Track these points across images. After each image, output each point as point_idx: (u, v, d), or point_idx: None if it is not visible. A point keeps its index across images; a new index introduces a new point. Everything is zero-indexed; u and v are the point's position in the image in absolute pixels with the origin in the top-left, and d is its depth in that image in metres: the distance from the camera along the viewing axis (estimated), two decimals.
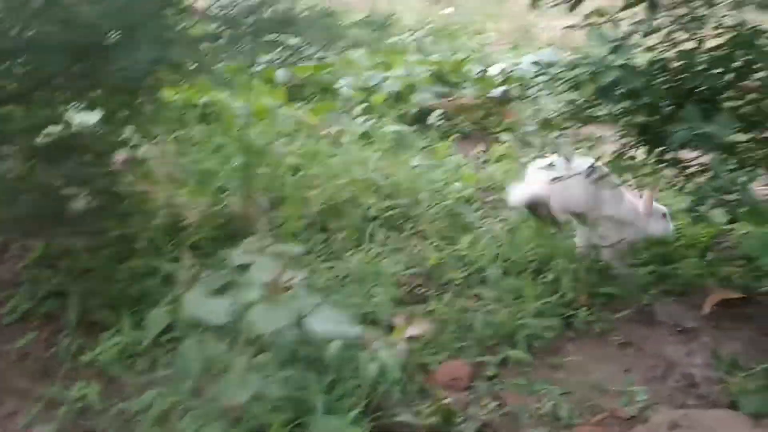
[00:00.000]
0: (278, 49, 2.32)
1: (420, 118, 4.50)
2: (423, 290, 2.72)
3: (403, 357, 2.24)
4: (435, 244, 3.00)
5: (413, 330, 2.43)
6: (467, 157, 4.10)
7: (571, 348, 2.43)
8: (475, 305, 2.59)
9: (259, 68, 3.41)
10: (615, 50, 2.05)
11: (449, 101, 4.65)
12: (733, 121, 1.87)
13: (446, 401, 2.09)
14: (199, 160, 3.18)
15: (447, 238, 3.05)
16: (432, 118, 4.46)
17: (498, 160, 4.01)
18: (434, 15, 8.07)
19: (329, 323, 1.53)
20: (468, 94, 4.62)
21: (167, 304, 2.25)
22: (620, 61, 2.06)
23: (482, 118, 4.63)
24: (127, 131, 2.79)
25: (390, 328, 2.40)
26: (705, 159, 2.61)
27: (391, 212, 3.20)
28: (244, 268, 1.52)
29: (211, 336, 1.55)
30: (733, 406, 2.07)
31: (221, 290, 1.46)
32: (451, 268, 2.83)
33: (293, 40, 2.48)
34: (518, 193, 2.87)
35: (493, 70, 4.98)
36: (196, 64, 2.50)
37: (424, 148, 4.10)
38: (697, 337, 2.49)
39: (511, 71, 4.83)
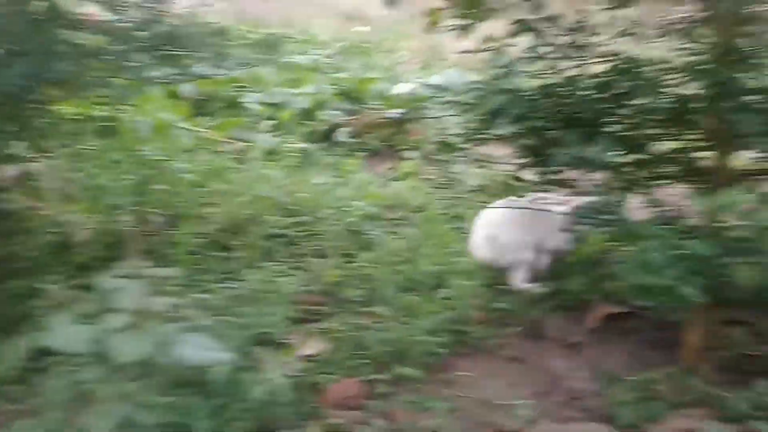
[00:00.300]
0: (172, 64, 2.26)
1: (328, 136, 4.50)
2: (321, 309, 2.71)
3: (296, 377, 2.23)
4: (336, 261, 3.00)
5: (308, 349, 2.43)
6: (374, 175, 4.13)
7: (463, 364, 2.47)
8: (371, 323, 2.60)
9: (159, 82, 3.33)
10: (502, 75, 2.11)
11: (358, 119, 4.66)
12: (609, 145, 1.95)
13: (336, 421, 2.08)
14: (93, 175, 3.07)
15: (348, 256, 3.06)
16: (340, 136, 4.46)
17: (404, 177, 4.04)
18: (349, 32, 8.09)
19: (198, 349, 1.50)
20: (376, 112, 4.64)
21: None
22: (507, 86, 2.13)
23: (390, 136, 4.66)
24: (16, 146, 2.67)
25: (286, 348, 2.39)
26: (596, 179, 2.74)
27: (293, 230, 3.18)
28: (113, 292, 1.47)
29: (83, 363, 1.49)
30: (611, 418, 2.15)
31: (87, 316, 1.41)
32: (350, 286, 2.84)
33: (188, 56, 2.44)
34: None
35: (401, 89, 5.03)
36: (87, 78, 2.43)
37: (331, 165, 4.10)
38: (582, 351, 2.58)
39: (410, 92, 4.89)
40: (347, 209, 3.40)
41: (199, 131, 3.92)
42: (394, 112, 4.49)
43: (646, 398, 2.18)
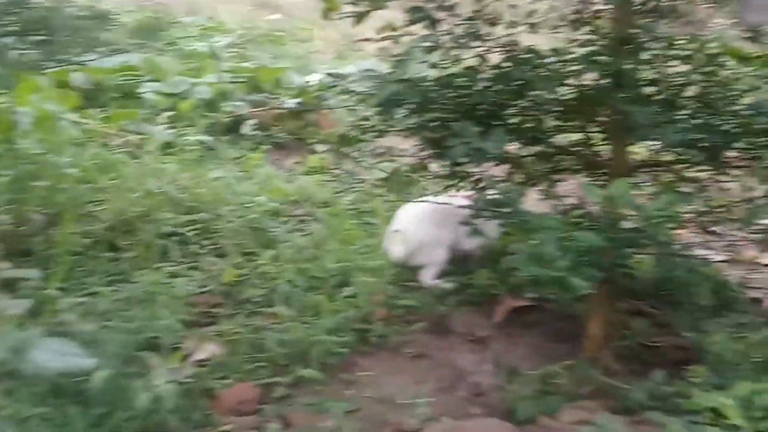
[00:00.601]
0: (46, 50, 2.17)
1: (232, 128, 4.43)
2: (218, 310, 2.67)
3: (187, 383, 2.19)
4: (235, 260, 2.96)
5: (201, 353, 2.39)
6: (280, 169, 4.10)
7: (364, 363, 2.48)
8: (270, 324, 2.58)
9: (42, 71, 3.19)
10: (399, 65, 2.13)
11: (265, 110, 4.61)
12: (507, 137, 1.99)
13: (228, 427, 2.05)
14: None
15: (249, 254, 3.03)
16: (245, 128, 4.40)
17: (311, 171, 4.03)
18: (259, 20, 7.98)
19: (56, 355, 1.44)
20: (285, 104, 4.60)
21: None
22: (404, 76, 2.14)
23: (299, 129, 4.63)
24: None
25: (177, 353, 2.34)
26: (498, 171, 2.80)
27: (189, 228, 3.12)
28: None
29: None
30: (512, 412, 2.20)
31: None
32: (250, 286, 2.81)
33: (67, 42, 2.34)
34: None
35: (311, 79, 5.00)
36: None
37: (234, 159, 4.05)
38: (488, 345, 2.63)
39: (310, 82, 4.87)
40: (249, 205, 3.36)
41: (88, 123, 3.78)
42: (292, 102, 4.46)
43: (546, 392, 2.24)
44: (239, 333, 2.50)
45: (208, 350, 2.40)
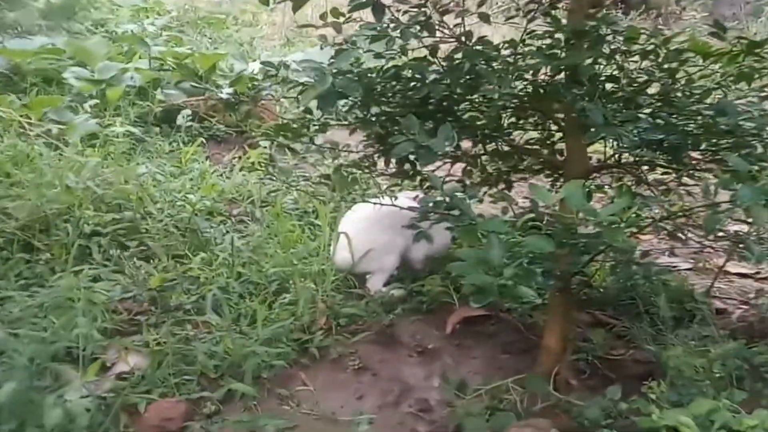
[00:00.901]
0: None
1: (165, 119, 4.40)
2: (143, 318, 2.65)
3: (105, 397, 2.18)
4: (163, 264, 2.94)
5: (122, 365, 2.37)
6: (217, 164, 4.08)
7: (303, 376, 2.49)
8: (200, 333, 2.57)
9: None
10: (341, 54, 2.14)
11: (201, 100, 4.59)
12: (453, 133, 2.01)
13: None
14: None
15: (178, 257, 3.01)
16: (180, 119, 4.37)
17: (251, 168, 4.02)
18: (200, 1, 7.93)
19: None
20: (218, 94, 4.58)
21: None
22: (346, 66, 2.16)
23: (239, 121, 4.62)
24: None
25: (95, 365, 2.32)
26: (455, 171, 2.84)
27: (113, 227, 3.09)
28: None
29: None
30: (460, 430, 2.23)
31: None
32: (180, 292, 2.80)
33: None
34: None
35: (254, 67, 4.98)
36: None
37: (166, 152, 4.02)
38: (438, 357, 2.66)
39: (251, 71, 4.86)
40: (181, 203, 3.34)
41: (4, 111, 3.72)
42: (226, 93, 4.45)
43: (496, 408, 2.28)
44: (166, 343, 2.47)
45: (131, 362, 2.38)
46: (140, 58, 4.77)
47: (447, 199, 2.03)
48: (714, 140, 2.33)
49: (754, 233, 2.36)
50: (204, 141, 4.26)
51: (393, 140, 2.08)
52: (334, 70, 2.08)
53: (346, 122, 2.58)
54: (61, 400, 2.02)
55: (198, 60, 4.93)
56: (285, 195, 3.59)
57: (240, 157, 4.14)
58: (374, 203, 2.87)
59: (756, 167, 2.09)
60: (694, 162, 2.42)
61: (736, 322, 2.85)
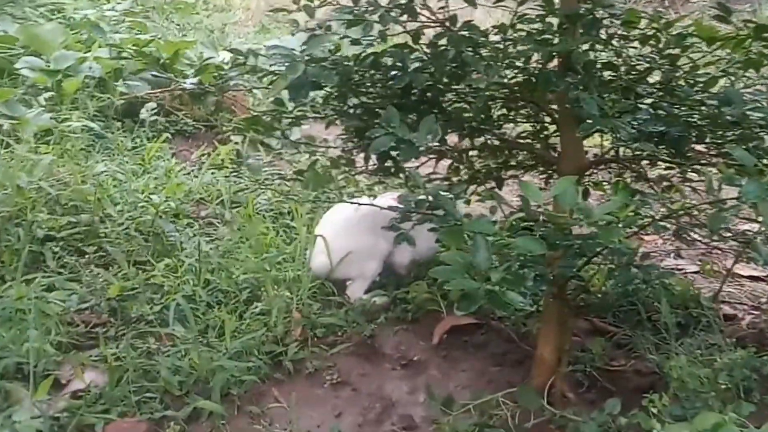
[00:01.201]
0: None
1: (128, 112, 4.38)
2: (101, 330, 2.64)
3: (59, 418, 2.17)
4: (124, 271, 2.93)
5: (78, 382, 2.37)
6: (185, 162, 4.08)
7: (276, 392, 2.49)
8: (164, 346, 2.56)
9: None
10: (314, 40, 2.13)
11: (168, 92, 4.57)
12: (436, 126, 2.01)
13: None
14: None
15: (140, 264, 3.01)
16: (144, 113, 4.35)
17: (221, 165, 4.01)
18: None
19: None
20: (188, 84, 4.56)
21: None
22: (319, 54, 2.15)
23: (209, 115, 4.61)
24: None
25: (47, 382, 2.31)
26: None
27: (69, 231, 3.09)
28: None
29: None
30: None
31: None
32: (141, 301, 2.79)
33: None
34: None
35: (225, 56, 4.97)
36: None
37: (129, 149, 4.01)
38: (423, 370, 2.66)
39: (222, 60, 4.84)
40: (144, 205, 3.34)
41: None
42: (190, 83, 4.43)
43: (485, 425, 2.28)
44: (126, 358, 2.47)
45: (87, 378, 2.37)
46: (100, 46, 4.74)
47: (430, 197, 2.03)
48: (719, 132, 2.34)
49: (764, 233, 2.37)
50: (170, 136, 4.24)
51: (371, 134, 2.07)
52: (307, 58, 2.07)
53: (321, 115, 2.58)
54: (9, 421, 2.02)
55: (162, 48, 4.91)
56: (258, 195, 3.58)
57: (209, 154, 4.13)
58: (355, 204, 2.87)
59: (765, 161, 2.10)
60: (698, 156, 2.42)
61: (745, 328, 2.86)
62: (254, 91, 4.28)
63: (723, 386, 2.22)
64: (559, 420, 2.30)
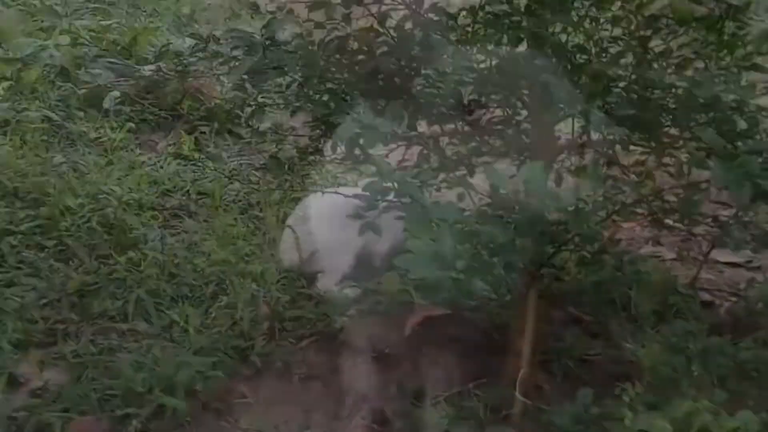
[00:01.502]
0: None
1: (92, 102, 4.34)
2: (61, 327, 2.63)
3: (17, 417, 2.16)
4: (85, 265, 2.92)
5: (36, 380, 2.36)
6: (150, 152, 4.05)
7: (243, 388, 2.49)
8: (126, 342, 2.55)
9: None
10: (270, 24, 2.12)
11: (131, 81, 4.53)
12: (402, 112, 2.01)
13: None
14: None
15: (102, 258, 2.99)
16: (107, 102, 4.31)
17: (187, 155, 3.99)
18: None
19: None
20: (146, 70, 4.51)
21: None
22: (279, 38, 2.14)
23: (176, 103, 4.58)
24: None
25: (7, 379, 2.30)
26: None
27: (28, 224, 3.07)
28: None
29: None
30: None
31: None
32: (103, 296, 2.78)
33: None
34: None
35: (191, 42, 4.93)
36: None
37: (91, 140, 3.98)
38: (395, 363, 2.67)
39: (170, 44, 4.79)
40: (106, 197, 3.31)
41: None
42: (148, 69, 4.40)
43: (459, 417, 2.29)
44: (86, 354, 2.47)
45: (46, 376, 2.37)
46: (61, 33, 4.69)
47: (396, 184, 2.03)
48: (692, 115, 2.35)
49: (739, 217, 2.40)
50: (134, 126, 4.21)
51: (334, 120, 2.07)
52: (267, 42, 2.07)
53: (285, 102, 2.57)
54: None
55: (129, 35, 4.87)
56: (226, 186, 3.57)
57: (175, 144, 4.10)
58: (325, 193, 2.86)
59: (739, 143, 2.11)
60: (670, 140, 2.44)
61: (723, 315, 2.89)
62: (222, 78, 4.25)
63: (696, 374, 2.24)
64: (533, 411, 2.31)
